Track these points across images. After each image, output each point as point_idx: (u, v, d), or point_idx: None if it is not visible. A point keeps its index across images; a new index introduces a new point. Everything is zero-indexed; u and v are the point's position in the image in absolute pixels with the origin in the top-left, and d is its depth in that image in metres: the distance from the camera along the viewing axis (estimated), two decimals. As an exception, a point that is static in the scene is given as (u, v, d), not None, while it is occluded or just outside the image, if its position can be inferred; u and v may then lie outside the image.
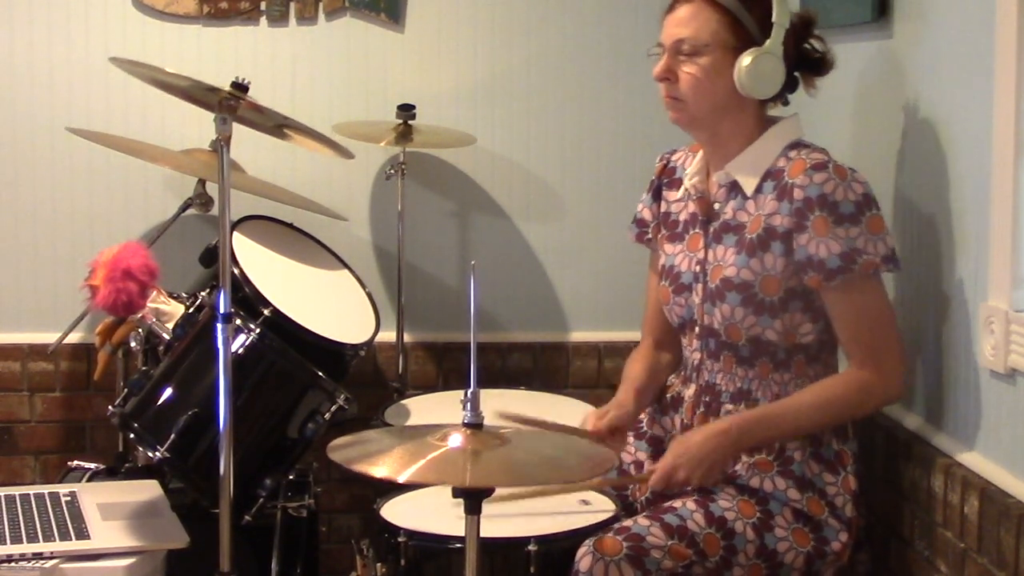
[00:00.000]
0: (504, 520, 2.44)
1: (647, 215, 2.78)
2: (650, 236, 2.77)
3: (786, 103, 2.60)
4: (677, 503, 2.48)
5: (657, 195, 2.76)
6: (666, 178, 2.75)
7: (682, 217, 2.68)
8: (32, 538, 2.70)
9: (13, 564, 2.61)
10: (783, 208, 2.47)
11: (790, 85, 2.57)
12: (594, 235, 3.75)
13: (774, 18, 2.48)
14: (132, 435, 3.01)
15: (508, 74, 3.70)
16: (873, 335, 2.48)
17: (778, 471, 2.51)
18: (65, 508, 2.87)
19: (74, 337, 3.48)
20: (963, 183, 2.48)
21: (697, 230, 2.63)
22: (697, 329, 2.62)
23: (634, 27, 3.69)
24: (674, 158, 2.75)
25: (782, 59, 2.49)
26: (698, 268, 2.61)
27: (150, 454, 2.96)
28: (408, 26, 3.68)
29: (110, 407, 3.04)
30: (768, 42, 2.48)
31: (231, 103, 2.68)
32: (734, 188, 2.57)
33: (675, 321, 2.68)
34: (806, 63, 2.58)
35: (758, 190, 2.53)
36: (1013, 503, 2.22)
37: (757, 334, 2.53)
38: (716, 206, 2.60)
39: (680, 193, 2.69)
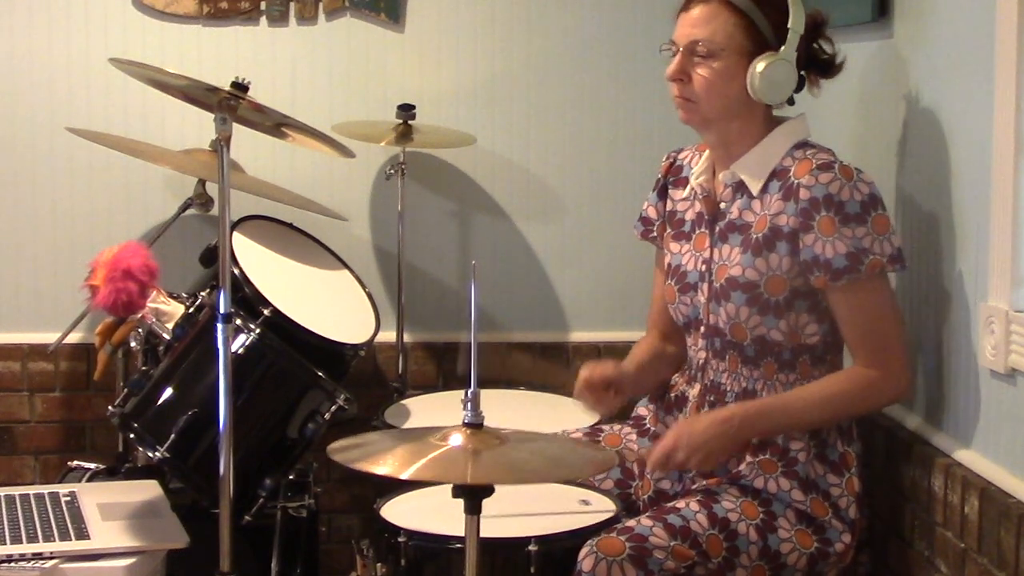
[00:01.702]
0: (504, 520, 2.44)
1: (652, 213, 2.78)
2: (655, 235, 2.78)
3: (791, 103, 2.59)
4: (680, 504, 2.47)
5: (663, 193, 2.76)
6: (672, 176, 2.75)
7: (688, 216, 2.68)
8: (32, 538, 2.70)
9: (13, 564, 2.61)
10: (789, 208, 2.47)
11: (797, 86, 2.56)
12: (594, 235, 3.75)
13: (790, 24, 2.48)
14: (132, 435, 3.01)
15: (508, 74, 3.70)
16: (879, 334, 2.48)
17: (782, 472, 2.51)
18: (65, 508, 2.87)
19: (74, 337, 3.48)
20: (963, 183, 2.48)
21: (703, 229, 2.63)
22: (703, 328, 2.62)
23: (634, 26, 3.69)
24: (680, 156, 2.75)
25: (795, 65, 2.49)
26: (704, 267, 2.61)
27: (150, 454, 2.96)
28: (408, 26, 3.68)
29: (110, 407, 3.04)
30: (783, 48, 2.48)
31: (231, 103, 2.68)
32: (740, 188, 2.57)
33: (680, 320, 2.68)
34: (814, 64, 2.58)
35: (764, 190, 2.53)
36: (1013, 503, 2.22)
37: (762, 334, 2.53)
38: (722, 205, 2.60)
39: (686, 192, 2.69)
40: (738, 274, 2.53)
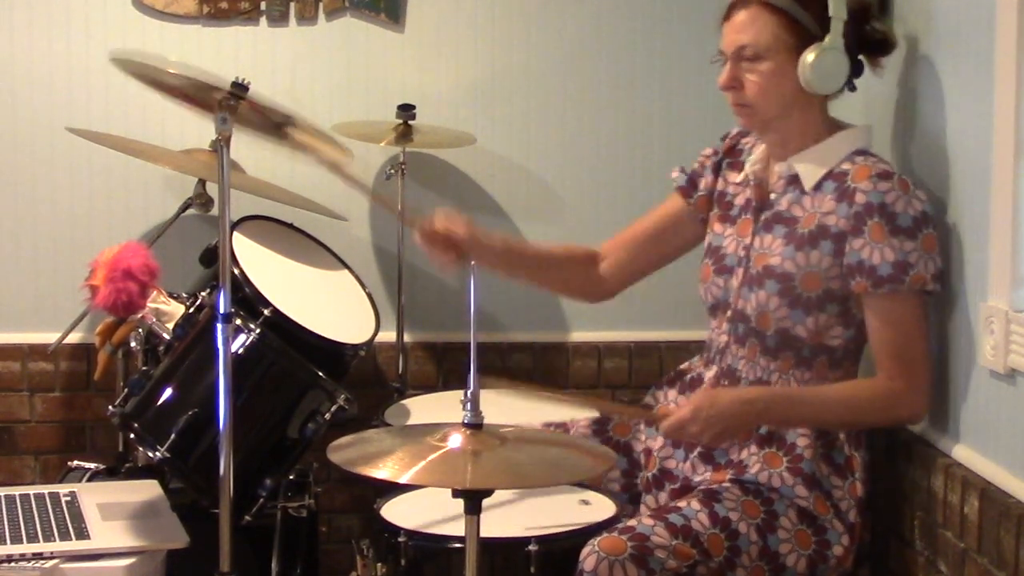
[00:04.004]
0: (504, 520, 2.44)
1: (700, 184, 2.78)
2: (693, 201, 2.78)
3: (853, 89, 2.59)
4: (682, 503, 2.48)
5: (715, 169, 2.77)
6: (729, 158, 2.76)
7: (738, 201, 2.70)
8: (32, 538, 2.70)
9: (13, 564, 2.61)
10: (841, 210, 2.48)
11: (855, 70, 2.57)
12: (594, 235, 3.72)
13: (831, 12, 2.50)
14: (132, 435, 3.01)
15: (508, 74, 3.70)
16: (908, 350, 2.48)
17: (787, 467, 2.51)
18: (65, 508, 2.87)
19: (74, 337, 3.48)
20: (963, 183, 2.48)
21: (748, 216, 2.65)
22: (729, 312, 2.63)
23: (634, 27, 3.69)
24: (744, 141, 2.76)
25: (843, 51, 2.50)
26: (743, 253, 2.63)
27: (150, 454, 2.96)
28: (408, 26, 3.67)
29: (110, 407, 3.04)
30: (828, 37, 2.49)
31: (231, 103, 2.68)
32: (793, 181, 2.58)
33: (708, 301, 2.70)
34: (869, 46, 2.59)
35: (817, 187, 2.54)
36: (1013, 503, 2.22)
37: (787, 327, 2.53)
38: (772, 196, 2.62)
39: (740, 177, 2.71)
40: (776, 264, 2.54)
